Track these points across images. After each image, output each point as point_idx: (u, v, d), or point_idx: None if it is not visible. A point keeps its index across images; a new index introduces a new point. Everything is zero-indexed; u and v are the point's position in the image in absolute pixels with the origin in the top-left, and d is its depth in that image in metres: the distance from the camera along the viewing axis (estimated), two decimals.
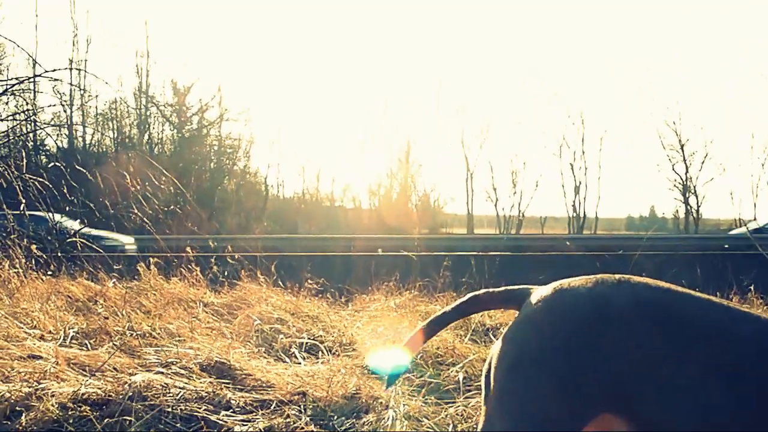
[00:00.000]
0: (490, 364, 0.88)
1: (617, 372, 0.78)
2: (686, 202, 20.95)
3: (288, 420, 1.68)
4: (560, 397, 0.78)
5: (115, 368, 1.93)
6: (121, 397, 1.72)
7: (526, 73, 35.35)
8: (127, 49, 29.04)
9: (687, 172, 20.57)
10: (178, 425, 1.65)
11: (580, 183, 21.55)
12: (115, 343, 2.26)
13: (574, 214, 21.60)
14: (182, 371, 1.97)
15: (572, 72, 32.88)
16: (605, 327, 0.80)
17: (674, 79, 29.80)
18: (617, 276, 0.88)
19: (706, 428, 0.75)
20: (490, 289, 1.00)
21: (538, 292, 0.90)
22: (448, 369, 2.22)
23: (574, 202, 21.62)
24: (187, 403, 1.74)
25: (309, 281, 3.70)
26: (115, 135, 19.09)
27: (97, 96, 18.35)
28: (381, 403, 1.83)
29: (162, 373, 1.93)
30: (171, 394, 1.76)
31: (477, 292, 1.01)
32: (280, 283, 3.64)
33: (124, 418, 1.64)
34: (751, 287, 3.57)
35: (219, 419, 1.69)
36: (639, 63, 32.65)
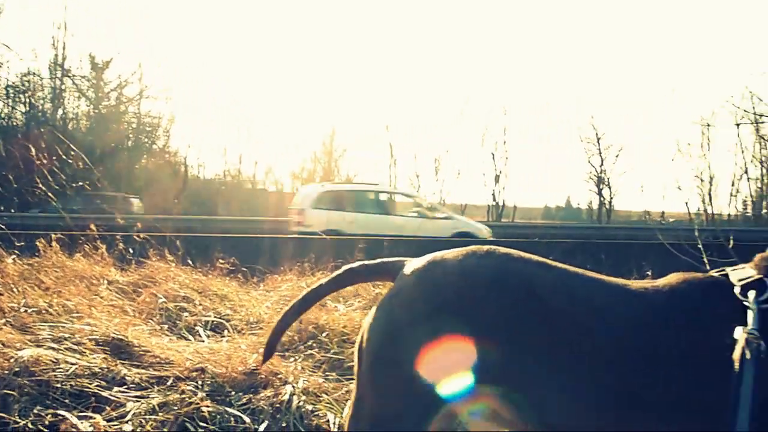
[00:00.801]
0: (362, 336, 0.89)
1: (484, 339, 0.81)
2: (600, 194, 21.67)
3: (183, 396, 1.63)
4: (428, 367, 0.79)
5: (2, 343, 1.85)
6: (6, 372, 1.65)
7: (452, 64, 35.77)
8: (42, 20, 27.71)
9: (602, 164, 21.27)
10: (66, 401, 1.60)
11: (500, 172, 21.98)
12: (8, 319, 2.17)
13: (494, 203, 22.00)
14: (75, 347, 1.90)
15: (496, 64, 33.48)
16: (472, 297, 0.82)
17: (594, 73, 30.86)
18: (485, 247, 0.89)
19: (572, 401, 0.78)
20: (366, 262, 1.01)
21: (411, 265, 0.91)
22: (353, 346, 2.18)
23: (494, 190, 22.03)
24: (78, 379, 1.69)
25: (220, 261, 3.64)
26: (27, 109, 18.20)
27: (8, 67, 17.45)
28: (280, 378, 1.80)
29: (54, 348, 1.85)
30: (61, 370, 1.71)
31: (352, 265, 1.01)
32: (190, 262, 3.58)
33: (8, 392, 1.58)
34: (650, 272, 3.76)
35: (111, 395, 1.64)
36: (560, 58, 33.53)
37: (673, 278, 0.84)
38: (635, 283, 0.85)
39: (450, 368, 0.79)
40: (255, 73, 34.44)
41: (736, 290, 0.79)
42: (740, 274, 0.81)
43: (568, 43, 34.10)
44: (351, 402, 0.88)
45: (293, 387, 1.73)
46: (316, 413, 1.66)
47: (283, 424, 1.59)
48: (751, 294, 0.80)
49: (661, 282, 0.86)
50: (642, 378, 0.77)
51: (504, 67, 33.72)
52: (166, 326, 2.39)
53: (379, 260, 0.96)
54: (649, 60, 32.84)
